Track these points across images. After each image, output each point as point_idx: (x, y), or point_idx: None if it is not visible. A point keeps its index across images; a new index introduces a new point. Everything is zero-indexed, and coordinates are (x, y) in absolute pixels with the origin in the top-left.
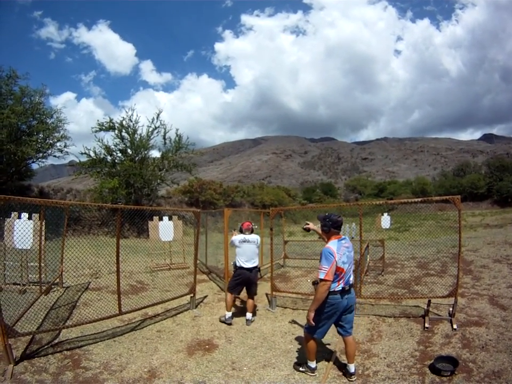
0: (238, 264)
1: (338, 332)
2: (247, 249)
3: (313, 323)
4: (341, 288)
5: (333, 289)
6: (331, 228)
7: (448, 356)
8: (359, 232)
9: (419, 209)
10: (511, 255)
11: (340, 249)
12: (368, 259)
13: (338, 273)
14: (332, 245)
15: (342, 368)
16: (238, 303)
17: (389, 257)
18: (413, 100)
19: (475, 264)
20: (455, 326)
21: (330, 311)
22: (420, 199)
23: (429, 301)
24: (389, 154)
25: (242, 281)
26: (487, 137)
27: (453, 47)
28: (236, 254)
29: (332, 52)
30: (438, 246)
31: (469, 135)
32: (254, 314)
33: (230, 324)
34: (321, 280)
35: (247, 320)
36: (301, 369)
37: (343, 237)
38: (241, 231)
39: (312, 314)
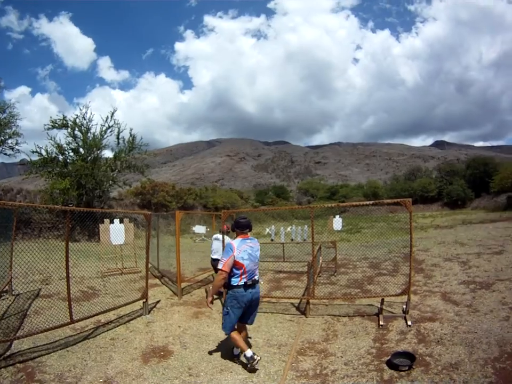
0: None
1: (241, 321)
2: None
3: (211, 307)
4: (243, 283)
5: (236, 284)
6: (235, 228)
7: (404, 352)
8: (311, 234)
9: (370, 211)
10: (462, 253)
11: (240, 246)
12: (320, 260)
13: (238, 267)
14: (235, 241)
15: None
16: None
17: (341, 258)
18: (368, 106)
19: (426, 263)
20: (409, 323)
21: (235, 304)
22: (371, 202)
23: (382, 300)
24: (341, 159)
25: None
26: (439, 144)
27: (410, 58)
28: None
29: (292, 57)
30: (389, 246)
31: (421, 141)
32: None
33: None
34: (219, 270)
35: None
36: (236, 359)
37: (250, 237)
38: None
39: (210, 299)
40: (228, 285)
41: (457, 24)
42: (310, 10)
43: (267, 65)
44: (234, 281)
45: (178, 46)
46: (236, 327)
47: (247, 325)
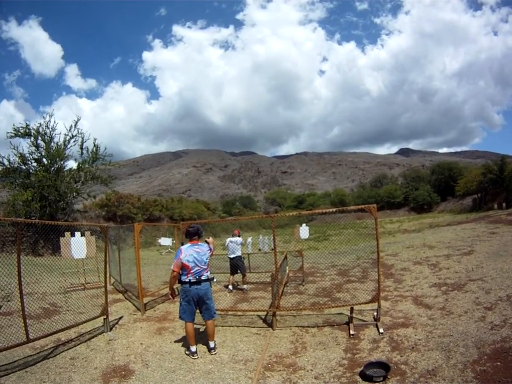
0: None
1: (203, 318)
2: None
3: (172, 298)
4: (188, 280)
5: (183, 280)
6: (186, 236)
7: (378, 361)
8: (273, 244)
9: (338, 218)
10: (431, 256)
11: (187, 251)
12: (287, 270)
13: (185, 268)
14: (184, 247)
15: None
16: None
17: (309, 267)
18: (333, 117)
19: (396, 267)
20: (381, 330)
21: (185, 297)
22: (335, 209)
23: (352, 308)
24: (308, 168)
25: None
26: (403, 151)
27: (375, 69)
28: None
29: (259, 68)
30: (357, 253)
31: (386, 149)
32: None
33: None
34: (172, 270)
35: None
36: (186, 352)
37: (199, 243)
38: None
39: (169, 292)
40: (179, 281)
41: (421, 37)
42: (278, 22)
43: (234, 76)
44: (183, 278)
45: (146, 55)
46: (193, 324)
47: (209, 320)
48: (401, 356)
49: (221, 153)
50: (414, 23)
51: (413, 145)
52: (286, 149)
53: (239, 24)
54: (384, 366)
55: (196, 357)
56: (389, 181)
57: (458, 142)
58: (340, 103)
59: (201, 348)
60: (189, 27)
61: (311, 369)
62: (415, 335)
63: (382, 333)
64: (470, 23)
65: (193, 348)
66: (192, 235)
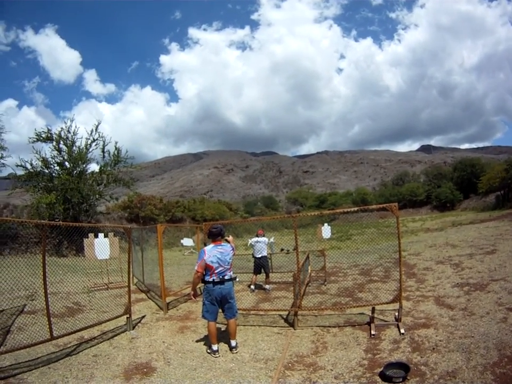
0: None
1: (225, 316)
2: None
3: (195, 298)
4: (212, 280)
5: (207, 280)
6: (208, 236)
7: (398, 362)
8: (295, 244)
9: (360, 218)
10: (453, 255)
11: (211, 252)
12: (309, 270)
13: (208, 268)
14: (207, 247)
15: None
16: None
17: (331, 267)
18: (353, 114)
19: (418, 267)
20: (402, 330)
21: (208, 296)
22: (357, 208)
23: (373, 308)
24: (329, 167)
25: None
26: (425, 148)
27: (393, 65)
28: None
29: (277, 67)
30: (380, 252)
31: (407, 146)
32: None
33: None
34: (196, 270)
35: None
36: (208, 351)
37: (222, 244)
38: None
39: (192, 292)
40: (203, 281)
41: (438, 30)
42: (293, 21)
43: (252, 77)
44: (207, 278)
45: (163, 58)
46: (215, 323)
47: (230, 319)
48: (421, 357)
49: (242, 154)
50: (430, 16)
51: (434, 141)
52: (307, 148)
53: (254, 25)
54: (404, 367)
55: (218, 355)
56: (410, 178)
57: (480, 137)
58: (359, 101)
59: (223, 347)
60: (204, 29)
61: (331, 369)
62: (436, 336)
63: (403, 334)
64: (486, 14)
65: (214, 347)
66: (215, 236)
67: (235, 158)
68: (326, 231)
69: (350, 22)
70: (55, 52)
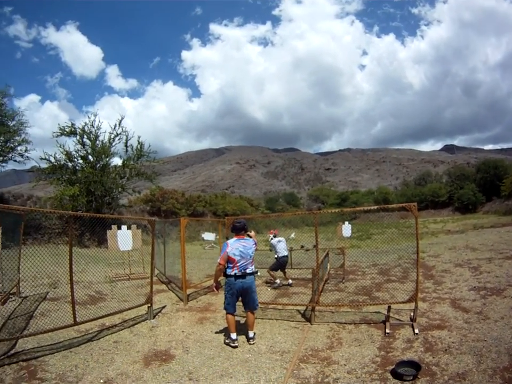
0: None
1: (245, 308)
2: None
3: (216, 290)
4: (234, 274)
5: (229, 274)
6: (232, 230)
7: (410, 360)
8: (315, 240)
9: (381, 217)
10: (472, 259)
11: (233, 245)
12: (328, 267)
13: (231, 261)
14: (230, 241)
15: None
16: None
17: (350, 265)
18: (376, 111)
19: (436, 269)
20: (416, 331)
21: (230, 290)
22: (376, 207)
23: (389, 307)
24: (351, 165)
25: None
26: (448, 148)
27: (416, 62)
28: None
29: (299, 63)
30: (399, 252)
31: (431, 146)
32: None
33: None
34: (218, 263)
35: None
36: (226, 341)
37: (245, 237)
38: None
39: (214, 284)
40: (225, 274)
41: (461, 26)
42: (315, 17)
43: (274, 72)
44: (229, 271)
45: (185, 54)
46: (235, 314)
47: (249, 312)
48: (433, 357)
49: (263, 150)
50: (453, 12)
51: (458, 141)
52: (329, 146)
53: (276, 20)
54: (415, 366)
55: (236, 344)
56: (433, 179)
57: (504, 138)
58: (382, 98)
59: (240, 338)
60: (225, 25)
61: (344, 364)
62: (449, 338)
63: (417, 334)
64: (510, 11)
65: (233, 335)
66: (239, 230)
67: (257, 154)
68: (346, 229)
69: (372, 18)
70: (77, 48)
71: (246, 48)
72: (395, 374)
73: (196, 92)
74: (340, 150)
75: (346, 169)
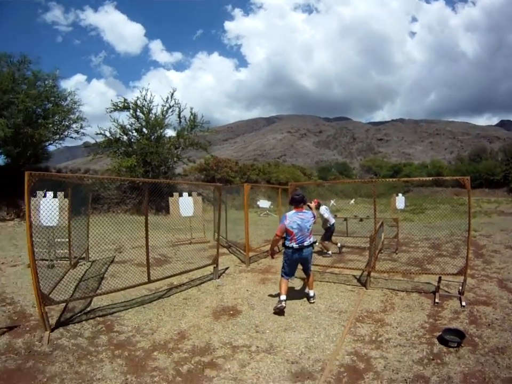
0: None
1: (303, 271)
2: None
3: (272, 257)
4: (291, 246)
5: (287, 245)
6: (291, 203)
7: (455, 329)
8: (374, 207)
9: (435, 193)
10: None
11: (292, 217)
12: (382, 237)
13: (289, 233)
14: (289, 213)
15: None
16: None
17: (403, 237)
18: (429, 81)
19: (487, 248)
20: (463, 303)
21: (287, 260)
22: (431, 178)
23: (440, 278)
24: (404, 136)
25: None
26: (504, 124)
27: (469, 30)
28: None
29: (346, 30)
30: (451, 228)
31: (486, 120)
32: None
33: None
34: (276, 234)
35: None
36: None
37: (303, 210)
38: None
39: (270, 252)
40: (283, 244)
41: None
42: None
43: (321, 40)
44: (287, 243)
45: (228, 25)
46: (288, 281)
47: (308, 275)
48: (476, 330)
49: (314, 119)
50: None
51: None
52: (381, 115)
53: None
54: (460, 335)
55: (283, 305)
56: (488, 156)
57: None
58: (434, 67)
59: (301, 297)
60: None
61: (396, 326)
62: (493, 314)
63: (463, 306)
64: None
65: (282, 296)
66: (298, 202)
67: (308, 123)
68: (400, 201)
69: None
70: (117, 27)
71: (291, 16)
72: (441, 340)
73: (242, 62)
74: (392, 120)
75: (399, 141)
